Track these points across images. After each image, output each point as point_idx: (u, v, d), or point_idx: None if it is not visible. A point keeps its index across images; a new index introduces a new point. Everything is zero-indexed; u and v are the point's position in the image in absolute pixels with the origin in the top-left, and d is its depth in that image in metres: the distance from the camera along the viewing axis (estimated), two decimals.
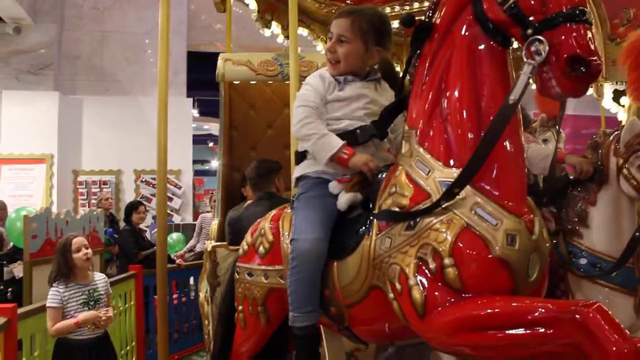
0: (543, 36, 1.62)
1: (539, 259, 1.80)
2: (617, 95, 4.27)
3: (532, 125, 3.80)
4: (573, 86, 1.62)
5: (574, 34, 1.58)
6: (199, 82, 10.10)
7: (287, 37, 5.92)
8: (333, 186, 2.19)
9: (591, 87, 4.26)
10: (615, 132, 2.75)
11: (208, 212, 8.33)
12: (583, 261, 2.71)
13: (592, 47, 1.57)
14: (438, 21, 1.97)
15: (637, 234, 2.57)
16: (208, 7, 8.51)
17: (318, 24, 6.39)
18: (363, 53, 2.28)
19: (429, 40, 1.98)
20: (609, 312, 1.51)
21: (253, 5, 5.60)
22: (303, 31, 6.14)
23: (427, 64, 1.98)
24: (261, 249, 2.45)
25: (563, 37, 1.59)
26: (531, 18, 1.67)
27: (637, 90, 2.65)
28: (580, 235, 2.76)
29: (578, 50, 1.56)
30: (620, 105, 4.34)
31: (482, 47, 1.86)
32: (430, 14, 2.02)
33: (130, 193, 9.50)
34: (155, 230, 4.16)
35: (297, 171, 2.38)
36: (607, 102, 4.39)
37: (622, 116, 4.28)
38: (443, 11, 1.96)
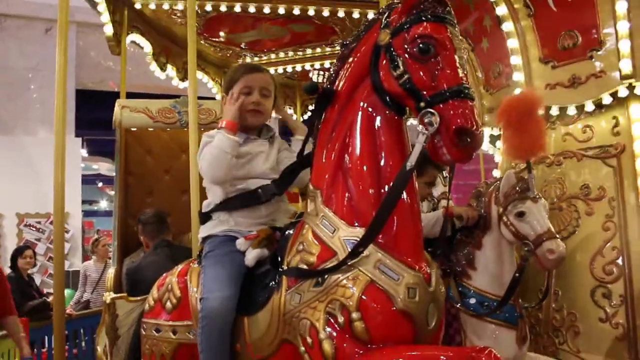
0: (434, 109, 1.80)
1: (436, 308, 1.97)
2: (493, 139, 4.67)
3: None
4: (460, 154, 1.81)
5: (460, 109, 1.78)
6: (87, 121, 9.81)
7: (181, 79, 5.99)
8: (240, 243, 2.27)
9: None
10: (496, 183, 3.06)
11: (91, 258, 7.94)
12: (472, 300, 2.95)
13: (476, 120, 1.77)
14: (340, 89, 2.12)
15: (517, 274, 2.86)
16: (97, 45, 8.34)
17: (213, 66, 6.52)
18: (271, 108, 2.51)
19: (331, 106, 2.13)
20: (498, 355, 1.71)
21: (148, 48, 5.61)
22: (198, 74, 6.21)
23: (330, 129, 2.12)
24: (168, 304, 2.47)
25: (451, 111, 1.78)
26: (424, 92, 1.84)
27: (509, 147, 2.97)
28: (468, 277, 3.00)
29: (464, 123, 1.76)
30: (497, 148, 4.75)
31: (380, 115, 2.02)
32: (332, 79, 2.17)
33: (12, 238, 8.96)
34: None
35: (202, 231, 2.45)
36: (485, 145, 4.77)
37: (497, 158, 4.69)
38: (345, 79, 2.11)
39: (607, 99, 3.63)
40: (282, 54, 6.57)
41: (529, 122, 2.84)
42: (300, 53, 6.52)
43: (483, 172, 6.94)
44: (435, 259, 2.20)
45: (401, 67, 1.89)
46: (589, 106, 3.72)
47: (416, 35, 1.87)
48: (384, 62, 1.96)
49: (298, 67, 6.74)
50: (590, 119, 3.76)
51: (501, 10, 4.03)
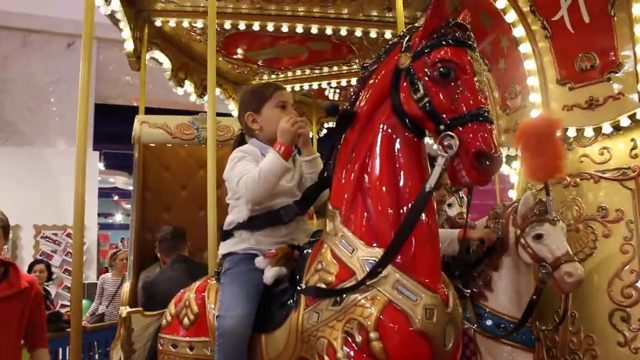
0: (453, 132, 1.81)
1: (453, 329, 1.98)
2: (508, 160, 4.66)
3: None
4: (479, 177, 1.82)
5: (480, 132, 1.79)
6: (105, 135, 9.93)
7: (199, 96, 6.05)
8: (259, 261, 2.29)
9: None
10: (513, 204, 3.06)
11: (108, 271, 7.99)
12: (489, 322, 2.95)
13: (495, 143, 1.79)
14: (360, 110, 2.14)
15: (534, 297, 2.86)
16: (116, 60, 8.45)
17: (230, 84, 6.58)
18: None
19: (352, 127, 2.16)
20: None
21: (167, 64, 5.68)
22: (216, 90, 6.27)
23: (350, 149, 2.14)
24: (186, 320, 2.49)
25: (471, 135, 1.79)
26: (443, 115, 1.87)
27: (528, 169, 2.98)
28: (485, 298, 3.00)
29: (483, 147, 1.77)
30: (512, 168, 4.74)
31: (399, 136, 2.05)
32: (353, 101, 2.20)
33: (29, 250, 9.04)
34: None
35: (223, 248, 2.47)
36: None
37: (514, 178, 4.67)
38: (365, 101, 2.14)
39: (625, 121, 3.62)
40: (299, 72, 6.62)
41: (548, 144, 2.85)
42: (317, 71, 6.56)
43: (498, 192, 6.91)
44: (452, 280, 2.21)
45: (421, 90, 1.91)
46: (607, 128, 3.71)
47: (437, 59, 1.90)
48: (405, 85, 1.98)
49: (315, 85, 6.78)
50: (607, 141, 3.75)
51: (518, 31, 4.05)
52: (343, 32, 5.39)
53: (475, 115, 1.82)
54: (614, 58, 3.68)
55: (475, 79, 1.88)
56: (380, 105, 2.08)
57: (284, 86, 2.60)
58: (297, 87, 6.78)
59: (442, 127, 1.85)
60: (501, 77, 4.50)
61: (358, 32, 5.39)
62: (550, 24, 3.92)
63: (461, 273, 2.95)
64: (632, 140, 3.64)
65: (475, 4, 4.20)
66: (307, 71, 6.59)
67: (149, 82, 6.07)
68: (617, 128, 3.68)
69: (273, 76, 6.64)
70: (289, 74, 6.65)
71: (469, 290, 3.02)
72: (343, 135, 2.19)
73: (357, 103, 2.17)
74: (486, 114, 1.83)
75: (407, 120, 2.01)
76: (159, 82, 6.79)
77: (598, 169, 3.75)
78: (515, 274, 2.97)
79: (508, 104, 4.49)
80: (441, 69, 1.88)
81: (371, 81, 2.14)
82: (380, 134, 2.07)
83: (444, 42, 1.91)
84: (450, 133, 1.82)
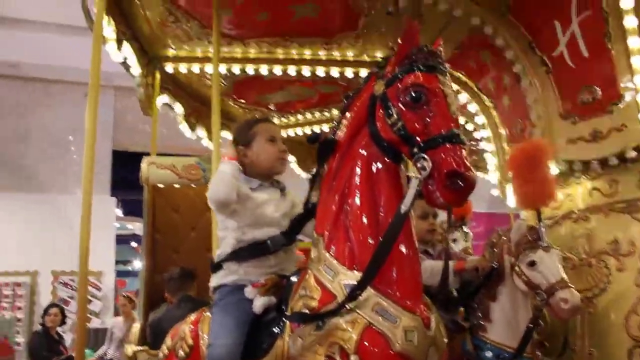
0: (427, 154, 1.86)
1: (436, 352, 1.98)
2: None
3: None
4: (453, 197, 1.85)
5: (451, 153, 1.83)
6: (124, 181, 10.09)
7: (211, 139, 6.12)
8: (248, 291, 2.32)
9: (497, 188, 4.63)
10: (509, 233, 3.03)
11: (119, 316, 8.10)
12: (488, 354, 2.89)
13: (467, 163, 1.82)
14: (340, 138, 2.21)
15: (531, 325, 2.80)
16: (134, 107, 8.62)
17: None
18: None
19: (333, 155, 2.21)
20: None
21: (179, 109, 5.79)
22: (226, 134, 6.35)
23: (331, 177, 2.19)
24: (181, 352, 2.50)
25: (443, 156, 1.83)
26: (417, 138, 1.91)
27: (519, 196, 2.97)
28: (484, 329, 2.94)
29: (455, 167, 1.80)
30: None
31: (378, 162, 2.10)
32: (334, 130, 2.26)
33: (47, 296, 9.13)
34: None
35: (214, 280, 2.49)
36: (511, 201, 4.73)
37: (523, 214, 4.61)
38: (345, 129, 2.20)
39: (631, 153, 3.57)
40: (309, 115, 6.67)
41: (537, 171, 2.84)
42: (327, 114, 6.61)
43: None
44: (435, 304, 2.19)
45: (395, 115, 1.97)
46: (613, 160, 3.66)
47: (408, 85, 1.96)
48: (380, 111, 2.04)
49: (326, 128, 6.78)
50: (615, 173, 3.70)
51: (519, 67, 4.08)
52: (349, 74, 5.45)
53: (446, 137, 1.86)
54: (615, 90, 3.67)
55: (446, 101, 1.93)
56: (359, 132, 2.14)
57: (273, 119, 2.65)
58: (308, 130, 6.81)
59: (415, 149, 1.89)
60: (506, 113, 4.52)
61: (363, 73, 5.44)
62: (550, 59, 3.94)
63: (455, 304, 2.91)
64: None
65: (477, 42, 4.26)
66: (317, 114, 6.64)
67: (164, 127, 6.19)
68: (623, 160, 3.64)
69: (284, 119, 6.69)
70: (300, 117, 6.71)
71: (467, 323, 2.97)
72: (326, 164, 2.23)
73: (338, 132, 2.23)
74: (457, 135, 1.87)
75: (384, 145, 2.06)
76: (173, 128, 6.91)
77: (607, 202, 3.69)
78: (513, 303, 2.91)
79: (514, 139, 4.48)
80: (413, 94, 1.94)
81: (350, 110, 2.21)
82: (359, 161, 2.12)
83: (415, 68, 1.98)
84: (424, 155, 1.85)
